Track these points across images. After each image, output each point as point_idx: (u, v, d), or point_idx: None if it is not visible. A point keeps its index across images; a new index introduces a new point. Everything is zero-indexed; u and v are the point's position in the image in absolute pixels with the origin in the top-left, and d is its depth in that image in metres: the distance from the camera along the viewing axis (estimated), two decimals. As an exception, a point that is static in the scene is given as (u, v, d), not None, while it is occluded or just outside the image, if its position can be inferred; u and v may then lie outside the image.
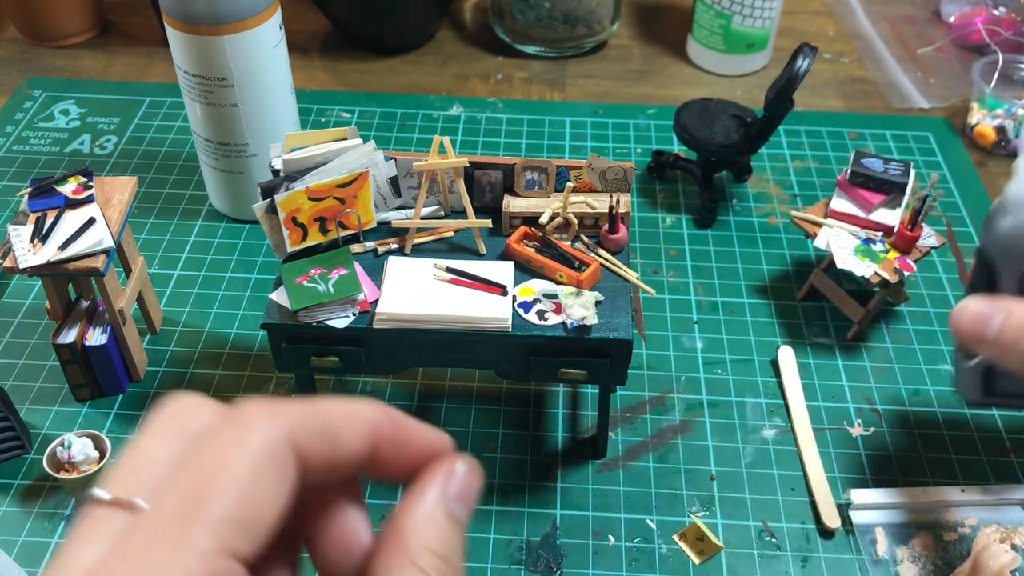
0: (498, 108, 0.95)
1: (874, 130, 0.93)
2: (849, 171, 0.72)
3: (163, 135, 0.90)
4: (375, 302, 0.57)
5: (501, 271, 0.59)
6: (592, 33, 1.02)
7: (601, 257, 0.61)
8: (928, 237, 0.69)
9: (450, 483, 0.26)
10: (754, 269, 0.78)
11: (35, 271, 0.61)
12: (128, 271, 0.68)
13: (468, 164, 0.61)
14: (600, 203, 0.62)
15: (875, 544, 0.59)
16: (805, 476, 0.63)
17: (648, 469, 0.63)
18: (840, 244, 0.68)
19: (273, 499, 0.23)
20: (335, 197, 0.59)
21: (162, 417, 0.25)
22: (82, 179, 0.66)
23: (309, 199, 0.58)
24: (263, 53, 0.71)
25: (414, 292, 0.57)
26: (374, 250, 0.61)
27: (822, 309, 0.74)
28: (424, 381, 0.68)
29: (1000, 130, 0.89)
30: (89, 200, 0.64)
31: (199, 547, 0.21)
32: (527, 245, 0.61)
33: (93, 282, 0.66)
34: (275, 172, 0.61)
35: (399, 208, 0.64)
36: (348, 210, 0.60)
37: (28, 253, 0.61)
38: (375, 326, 0.56)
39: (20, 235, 0.62)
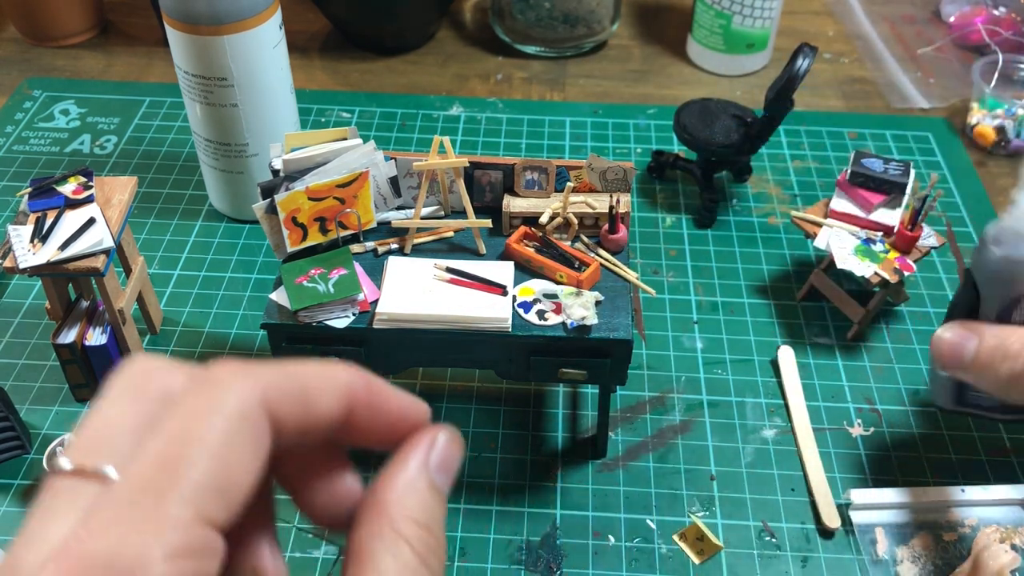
0: (498, 108, 0.95)
1: (874, 130, 0.93)
2: (849, 171, 0.72)
3: (163, 135, 0.90)
4: (375, 302, 0.57)
5: (501, 271, 0.59)
6: (592, 33, 1.02)
7: (601, 257, 0.61)
8: (928, 237, 0.69)
9: (431, 453, 0.26)
10: (754, 269, 0.78)
11: (35, 271, 0.61)
12: (128, 271, 0.68)
13: (468, 164, 0.61)
14: (600, 203, 0.62)
15: (875, 544, 0.59)
16: (805, 476, 0.63)
17: (648, 469, 0.63)
18: (840, 244, 0.68)
19: (248, 464, 0.22)
20: (335, 197, 0.59)
21: (123, 380, 0.24)
22: (82, 179, 0.66)
23: (309, 199, 0.58)
24: (263, 53, 0.71)
25: (414, 292, 0.57)
26: (374, 250, 0.61)
27: (822, 309, 0.74)
28: (424, 381, 0.68)
29: (1000, 130, 0.89)
30: (89, 200, 0.64)
31: (176, 517, 0.20)
32: (527, 245, 0.61)
33: (93, 282, 0.66)
34: (275, 172, 0.61)
35: (399, 208, 0.64)
36: (348, 210, 0.60)
37: (28, 253, 0.61)
38: (375, 326, 0.56)
39: (20, 235, 0.62)
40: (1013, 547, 0.57)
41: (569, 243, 0.62)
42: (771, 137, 0.83)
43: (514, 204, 0.63)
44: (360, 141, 0.62)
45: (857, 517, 0.60)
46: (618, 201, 0.61)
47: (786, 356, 0.70)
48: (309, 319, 0.57)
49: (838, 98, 0.98)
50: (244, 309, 0.74)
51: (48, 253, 0.61)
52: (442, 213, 0.63)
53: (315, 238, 0.60)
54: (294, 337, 0.58)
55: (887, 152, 0.90)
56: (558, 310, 0.57)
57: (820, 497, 0.61)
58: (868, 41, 1.07)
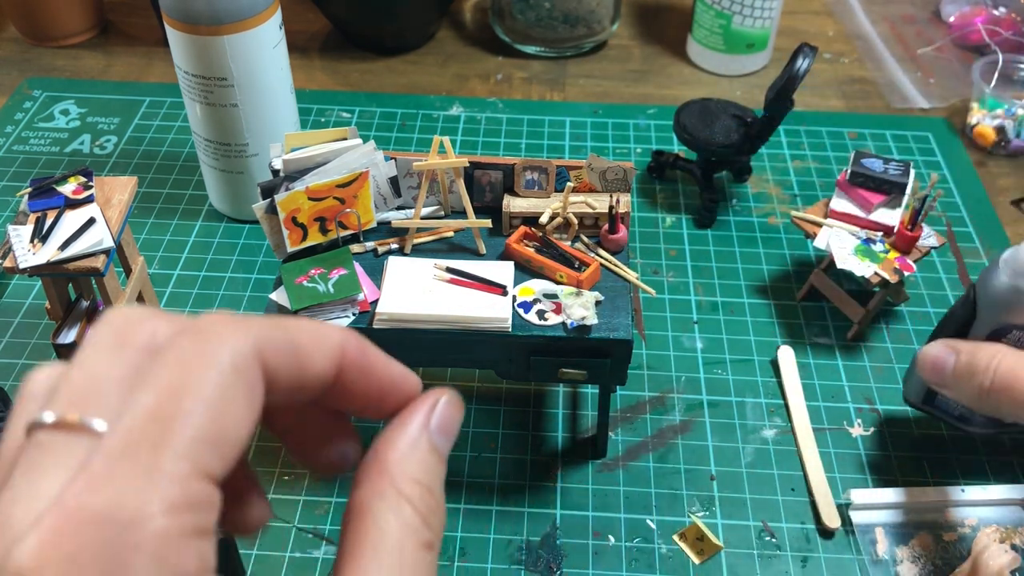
0: (498, 108, 0.95)
1: (874, 130, 0.93)
2: (849, 171, 0.72)
3: (163, 135, 0.90)
4: (375, 302, 0.57)
5: (501, 271, 0.59)
6: (592, 33, 1.02)
7: (601, 257, 0.61)
8: (928, 237, 0.69)
9: (433, 415, 0.26)
10: (754, 269, 0.78)
11: (35, 271, 0.61)
12: (128, 271, 0.68)
13: (468, 164, 0.61)
14: (600, 203, 0.62)
15: (875, 544, 0.59)
16: (805, 476, 0.63)
17: (648, 469, 0.63)
18: (840, 244, 0.68)
19: (243, 416, 0.22)
20: (335, 197, 0.59)
21: (105, 330, 0.23)
22: (82, 179, 0.66)
23: (309, 199, 0.58)
24: (263, 53, 0.71)
25: (414, 292, 0.57)
26: (374, 250, 0.61)
27: (822, 309, 0.74)
28: (424, 381, 0.68)
29: (1000, 130, 0.89)
30: (89, 200, 0.64)
31: (173, 471, 0.20)
32: (527, 245, 0.61)
33: (93, 282, 0.66)
34: (275, 172, 0.61)
35: (399, 208, 0.64)
36: (348, 210, 0.60)
37: (28, 253, 0.61)
38: (375, 326, 0.56)
39: (20, 235, 0.62)
40: (1013, 547, 0.57)
41: (569, 243, 0.62)
42: (771, 137, 0.83)
43: (514, 204, 0.63)
44: (360, 141, 0.62)
45: (857, 517, 0.60)
46: (618, 201, 0.61)
47: (786, 356, 0.70)
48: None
49: (838, 98, 0.98)
50: (244, 309, 0.74)
51: (48, 253, 0.61)
52: (442, 213, 0.63)
53: (315, 238, 0.60)
54: (294, 337, 0.57)
55: (887, 152, 0.90)
56: (558, 310, 0.57)
57: (820, 497, 0.61)
58: (868, 41, 1.07)
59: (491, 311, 0.56)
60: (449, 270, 0.59)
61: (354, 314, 0.57)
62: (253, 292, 0.75)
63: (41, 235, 0.62)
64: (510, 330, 0.56)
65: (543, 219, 0.61)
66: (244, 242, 0.79)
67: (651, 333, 0.72)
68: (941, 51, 1.04)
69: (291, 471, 0.62)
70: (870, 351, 0.71)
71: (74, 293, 0.68)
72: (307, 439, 0.28)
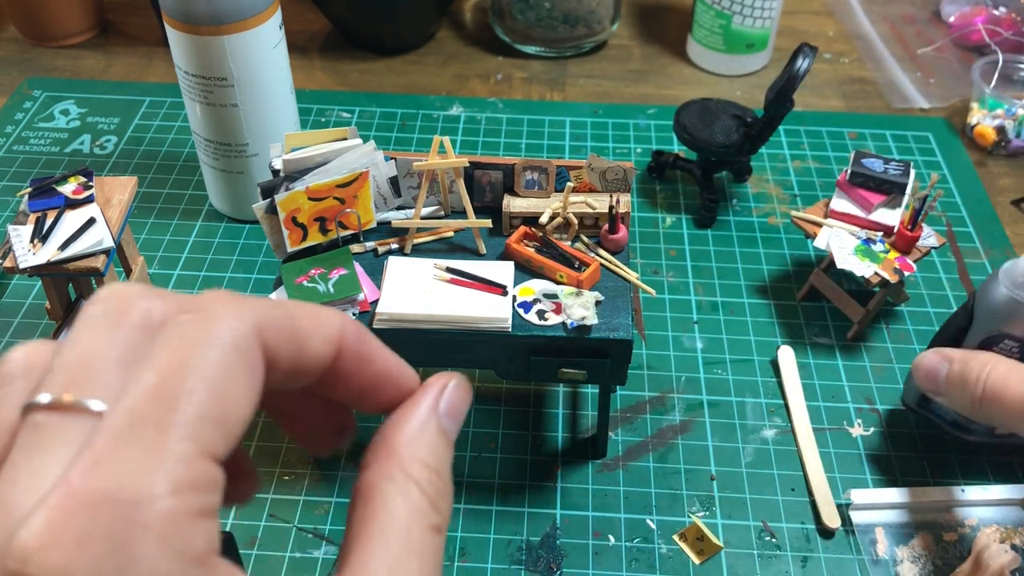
0: (498, 108, 0.95)
1: (874, 130, 0.93)
2: (849, 171, 0.72)
3: (163, 135, 0.90)
4: (375, 302, 0.57)
5: (501, 271, 0.59)
6: (592, 33, 1.02)
7: (601, 257, 0.61)
8: (928, 237, 0.69)
9: (441, 398, 0.26)
10: (754, 269, 0.78)
11: (35, 271, 0.61)
12: (128, 271, 0.68)
13: (468, 164, 0.61)
14: (600, 203, 0.62)
15: (875, 544, 0.59)
16: (805, 476, 0.63)
17: (648, 469, 0.63)
18: (840, 244, 0.68)
19: (245, 395, 0.22)
20: (335, 197, 0.59)
21: (99, 308, 0.23)
22: (82, 179, 0.66)
23: (309, 199, 0.58)
24: (263, 53, 0.71)
25: (414, 292, 0.57)
26: (374, 250, 0.61)
27: (822, 309, 0.74)
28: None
29: (1000, 130, 0.89)
30: (89, 200, 0.64)
31: (178, 451, 0.20)
32: (527, 245, 0.61)
33: (93, 282, 0.66)
34: (275, 172, 0.61)
35: (399, 208, 0.64)
36: (348, 210, 0.60)
37: (28, 253, 0.61)
38: (375, 326, 0.56)
39: (20, 235, 0.62)
40: (1013, 547, 0.57)
41: (569, 243, 0.62)
42: (771, 137, 0.83)
43: (514, 204, 0.63)
44: (360, 141, 0.62)
45: (857, 517, 0.60)
46: (618, 201, 0.61)
47: (786, 356, 0.70)
48: (309, 319, 0.56)
49: (838, 98, 0.98)
50: (244, 309, 0.74)
51: (48, 253, 0.61)
52: (442, 213, 0.63)
53: (315, 238, 0.60)
54: (294, 337, 0.58)
55: (887, 152, 0.90)
56: (558, 310, 0.57)
57: (820, 497, 0.61)
58: (868, 41, 1.07)
59: (491, 311, 0.56)
60: (449, 270, 0.59)
61: (354, 314, 0.57)
62: (253, 292, 0.75)
63: (41, 235, 0.62)
64: (510, 330, 0.56)
65: (543, 219, 0.61)
66: (244, 242, 0.79)
67: (651, 333, 0.72)
68: (941, 51, 1.04)
69: (291, 471, 0.62)
70: (870, 351, 0.71)
71: (74, 293, 0.68)
72: (302, 420, 0.28)
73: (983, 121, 0.90)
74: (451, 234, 0.63)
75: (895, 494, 0.60)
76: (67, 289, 0.66)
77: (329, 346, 0.25)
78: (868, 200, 0.70)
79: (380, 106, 0.95)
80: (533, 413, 0.67)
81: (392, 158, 0.62)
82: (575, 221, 0.62)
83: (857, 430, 0.66)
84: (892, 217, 0.70)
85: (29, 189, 0.65)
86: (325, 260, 0.59)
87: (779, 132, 0.92)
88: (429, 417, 0.26)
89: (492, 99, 0.96)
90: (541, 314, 0.57)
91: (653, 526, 0.60)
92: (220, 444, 0.21)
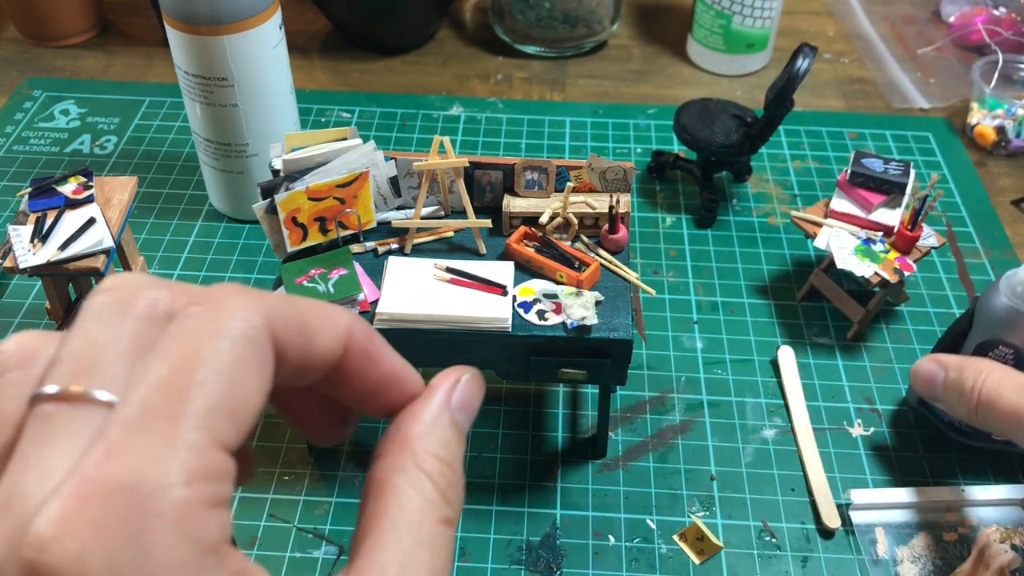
0: (498, 108, 0.95)
1: (874, 130, 0.93)
2: (849, 171, 0.72)
3: (163, 135, 0.90)
4: (375, 302, 0.57)
5: (501, 271, 0.59)
6: (592, 33, 1.02)
7: (601, 257, 0.61)
8: (928, 237, 0.69)
9: (454, 392, 0.27)
10: (754, 269, 0.78)
11: (35, 271, 0.61)
12: (128, 271, 0.68)
13: (468, 164, 0.61)
14: (600, 203, 0.62)
15: (875, 544, 0.59)
16: (805, 476, 0.63)
17: (648, 469, 0.63)
18: (840, 244, 0.68)
19: (255, 387, 0.22)
20: (335, 197, 0.59)
21: (106, 298, 0.23)
22: (82, 179, 0.66)
23: (309, 199, 0.58)
24: (263, 53, 0.71)
25: (414, 292, 0.57)
26: (374, 250, 0.61)
27: (822, 309, 0.74)
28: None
29: (1000, 130, 0.89)
30: (89, 200, 0.64)
31: (191, 441, 0.20)
32: (527, 245, 0.61)
33: (93, 282, 0.66)
34: (275, 172, 0.61)
35: (399, 208, 0.64)
36: (348, 210, 0.60)
37: (28, 253, 0.61)
38: (375, 326, 0.56)
39: (20, 235, 0.62)
40: (1013, 547, 0.57)
41: (569, 243, 0.62)
42: (771, 137, 0.83)
43: (514, 204, 0.63)
44: (360, 141, 0.62)
45: (857, 517, 0.60)
46: (618, 201, 0.61)
47: (786, 356, 0.70)
48: (309, 319, 0.56)
49: (838, 98, 0.98)
50: (244, 309, 0.74)
51: (48, 253, 0.61)
52: (442, 213, 0.63)
53: (315, 238, 0.60)
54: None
55: (887, 152, 0.90)
56: (558, 310, 0.57)
57: (820, 497, 0.61)
58: (868, 41, 1.07)
59: (491, 311, 0.56)
60: (449, 270, 0.59)
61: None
62: (253, 292, 0.75)
63: (41, 235, 0.62)
64: (510, 330, 0.56)
65: (543, 219, 0.61)
66: (244, 242, 0.79)
67: (651, 333, 0.72)
68: (941, 51, 1.04)
69: (291, 471, 0.62)
70: (870, 351, 0.71)
71: (74, 293, 0.68)
72: (306, 412, 0.28)
73: (983, 121, 0.90)
74: (451, 234, 0.63)
75: (895, 494, 0.60)
76: (67, 289, 0.66)
77: (337, 343, 0.25)
78: (868, 200, 0.70)
79: (380, 106, 0.95)
80: (533, 413, 0.67)
81: (392, 158, 0.62)
82: (575, 221, 0.62)
83: (857, 430, 0.66)
84: (892, 217, 0.70)
85: (29, 189, 0.65)
86: (325, 260, 0.59)
87: (779, 132, 0.92)
88: (442, 411, 0.26)
89: (492, 99, 0.96)
90: (541, 314, 0.57)
91: (653, 526, 0.60)
92: (231, 434, 0.21)
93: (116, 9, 1.09)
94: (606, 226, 0.62)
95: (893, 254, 0.68)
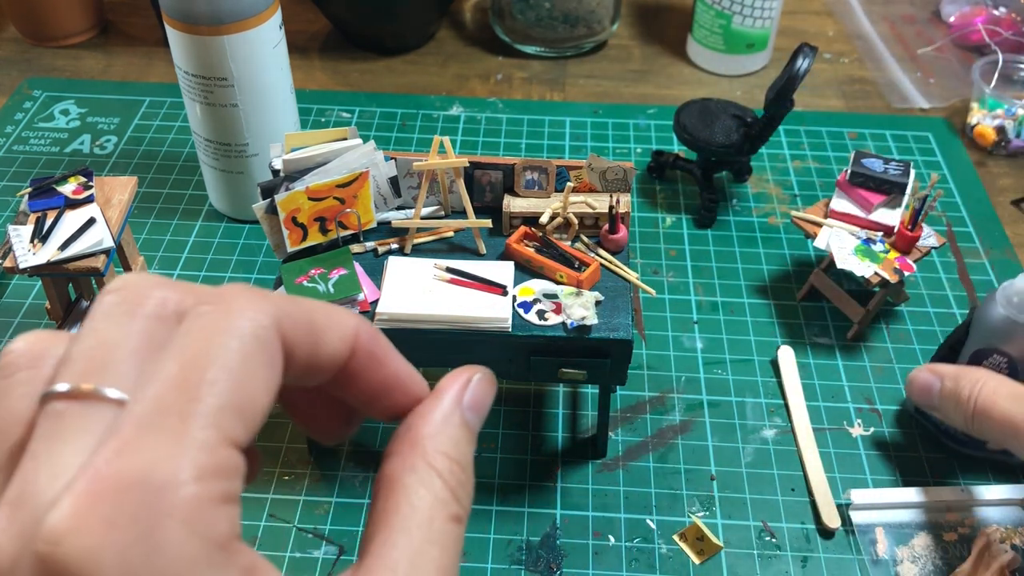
0: (498, 108, 0.95)
1: (874, 130, 0.93)
2: (849, 171, 0.72)
3: (163, 135, 0.90)
4: (375, 302, 0.57)
5: (501, 271, 0.59)
6: (592, 33, 1.02)
7: (601, 257, 0.61)
8: (928, 237, 0.69)
9: (466, 391, 0.27)
10: (754, 269, 0.78)
11: (35, 271, 0.61)
12: (128, 271, 0.68)
13: (468, 164, 0.61)
14: (600, 203, 0.62)
15: (875, 544, 0.59)
16: (805, 476, 0.63)
17: (648, 469, 0.63)
18: (840, 244, 0.68)
19: (264, 386, 0.22)
20: (335, 197, 0.59)
21: (114, 298, 0.23)
22: (82, 179, 0.66)
23: (309, 199, 0.58)
24: (263, 53, 0.71)
25: (414, 292, 0.57)
26: (374, 250, 0.61)
27: (822, 309, 0.74)
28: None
29: (1000, 130, 0.89)
30: (89, 200, 0.64)
31: (202, 439, 0.20)
32: (527, 245, 0.61)
33: (93, 282, 0.66)
34: (275, 172, 0.61)
35: (399, 208, 0.64)
36: (348, 210, 0.60)
37: (28, 253, 0.61)
38: (375, 326, 0.56)
39: (20, 235, 0.62)
40: (1013, 547, 0.57)
41: (569, 243, 0.62)
42: (771, 137, 0.83)
43: (514, 204, 0.63)
44: (360, 141, 0.62)
45: (857, 517, 0.60)
46: (618, 201, 0.61)
47: (786, 356, 0.70)
48: (309, 319, 0.56)
49: (838, 98, 0.98)
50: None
51: (48, 253, 0.61)
52: (442, 213, 0.63)
53: (315, 238, 0.60)
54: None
55: (887, 152, 0.90)
56: (558, 310, 0.57)
57: (820, 497, 0.61)
58: (868, 41, 1.07)
59: (491, 311, 0.56)
60: (449, 270, 0.59)
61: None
62: (253, 292, 0.75)
63: (41, 235, 0.62)
64: (510, 330, 0.56)
65: (543, 219, 0.61)
66: (244, 242, 0.79)
67: (651, 333, 0.72)
68: (941, 51, 1.04)
69: (291, 471, 0.62)
70: (870, 351, 0.71)
71: (74, 293, 0.68)
72: (312, 411, 0.28)
73: (983, 121, 0.90)
74: (451, 234, 0.63)
75: (895, 494, 0.60)
76: (67, 289, 0.66)
77: (344, 344, 0.25)
78: (868, 200, 0.70)
79: (380, 106, 0.95)
80: (533, 413, 0.67)
81: (392, 158, 0.62)
82: (575, 221, 0.62)
83: (857, 430, 0.66)
84: (892, 217, 0.70)
85: (29, 189, 0.65)
86: (325, 260, 0.59)
87: (779, 132, 0.92)
88: (453, 410, 0.27)
89: (492, 99, 0.96)
90: (541, 314, 0.57)
91: (653, 526, 0.60)
92: (241, 432, 0.21)
93: (116, 9, 1.09)
94: (606, 226, 0.62)
95: (893, 254, 0.68)
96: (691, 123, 0.80)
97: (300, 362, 0.24)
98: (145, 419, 0.20)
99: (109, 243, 0.62)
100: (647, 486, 0.62)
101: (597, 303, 0.58)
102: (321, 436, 0.29)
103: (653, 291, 0.61)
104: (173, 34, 0.70)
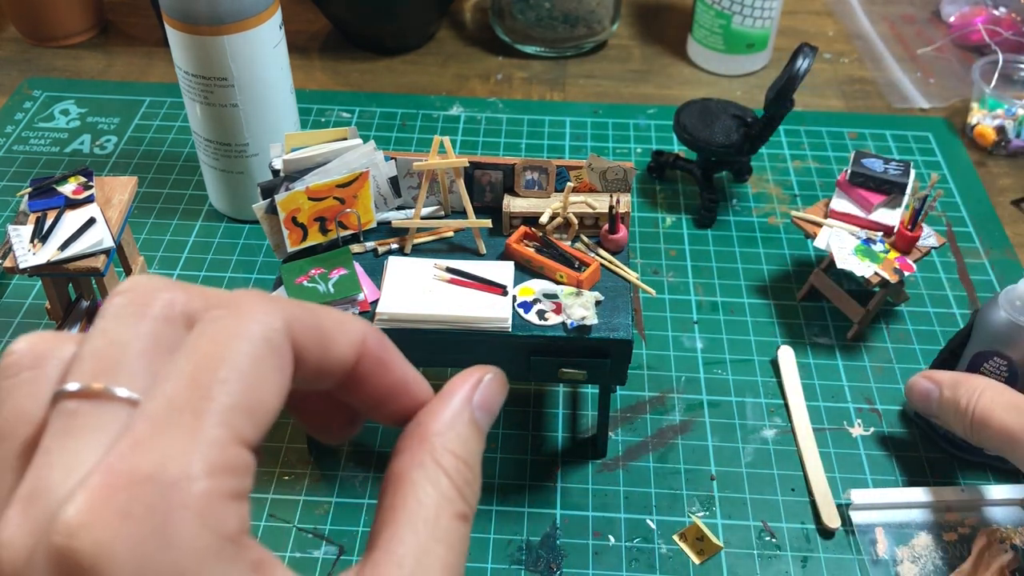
0: (498, 108, 0.95)
1: (874, 130, 0.93)
2: (849, 171, 0.72)
3: (163, 135, 0.90)
4: (375, 302, 0.57)
5: (501, 271, 0.59)
6: (592, 33, 1.02)
7: (601, 257, 0.61)
8: (928, 237, 0.69)
9: (476, 390, 0.27)
10: (754, 269, 0.78)
11: (35, 271, 0.61)
12: (128, 271, 0.68)
13: (468, 164, 0.61)
14: (600, 203, 0.62)
15: (875, 544, 0.59)
16: (805, 476, 0.63)
17: (648, 469, 0.63)
18: (840, 244, 0.68)
19: (274, 388, 0.23)
20: (335, 197, 0.59)
21: (124, 300, 0.24)
22: (82, 179, 0.66)
23: (309, 199, 0.58)
24: (263, 53, 0.71)
25: (414, 292, 0.57)
26: (374, 250, 0.61)
27: (822, 309, 0.74)
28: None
29: (1000, 130, 0.89)
30: (89, 200, 0.64)
31: (214, 437, 0.21)
32: (527, 245, 0.61)
33: (93, 282, 0.66)
34: (275, 172, 0.61)
35: (399, 208, 0.64)
36: (348, 210, 0.60)
37: (28, 253, 0.61)
38: (375, 326, 0.56)
39: (20, 235, 0.62)
40: (1013, 547, 0.57)
41: (569, 243, 0.62)
42: (771, 137, 0.83)
43: (514, 204, 0.63)
44: (360, 141, 0.62)
45: (857, 517, 0.60)
46: (618, 201, 0.61)
47: (786, 356, 0.70)
48: (309, 319, 0.56)
49: (838, 98, 0.98)
50: (244, 309, 0.73)
51: (48, 253, 0.61)
52: (442, 213, 0.63)
53: (315, 238, 0.60)
54: (294, 337, 0.58)
55: (887, 152, 0.90)
56: (558, 310, 0.57)
57: (820, 497, 0.61)
58: (868, 41, 1.07)
59: (491, 311, 0.56)
60: (449, 270, 0.59)
61: (354, 314, 0.57)
62: (253, 292, 0.75)
63: (41, 235, 0.62)
64: (510, 330, 0.56)
65: (543, 219, 0.61)
66: (244, 242, 0.79)
67: (651, 333, 0.72)
68: (941, 51, 1.04)
69: (291, 471, 0.62)
70: (870, 351, 0.71)
71: (74, 293, 0.68)
72: (316, 412, 0.29)
73: (983, 121, 0.90)
74: (451, 234, 0.63)
75: (895, 494, 0.60)
76: (67, 289, 0.66)
77: (352, 349, 0.26)
78: (868, 200, 0.70)
79: (380, 106, 0.95)
80: (533, 413, 0.67)
81: (392, 158, 0.62)
82: (575, 221, 0.62)
83: (857, 430, 0.66)
84: (892, 217, 0.70)
85: (29, 189, 0.65)
86: (325, 260, 0.59)
87: (779, 132, 0.92)
88: (462, 408, 0.27)
89: (492, 99, 0.96)
90: (541, 314, 0.57)
91: (653, 526, 0.60)
92: (251, 432, 0.22)
93: (116, 9, 1.09)
94: (606, 226, 0.62)
95: (893, 254, 0.68)
96: (691, 123, 0.80)
97: (309, 366, 0.24)
98: (159, 417, 0.21)
99: (109, 243, 0.62)
100: (647, 486, 0.62)
101: (597, 303, 0.58)
102: (323, 436, 0.29)
103: (653, 291, 0.61)
104: (173, 34, 0.70)
